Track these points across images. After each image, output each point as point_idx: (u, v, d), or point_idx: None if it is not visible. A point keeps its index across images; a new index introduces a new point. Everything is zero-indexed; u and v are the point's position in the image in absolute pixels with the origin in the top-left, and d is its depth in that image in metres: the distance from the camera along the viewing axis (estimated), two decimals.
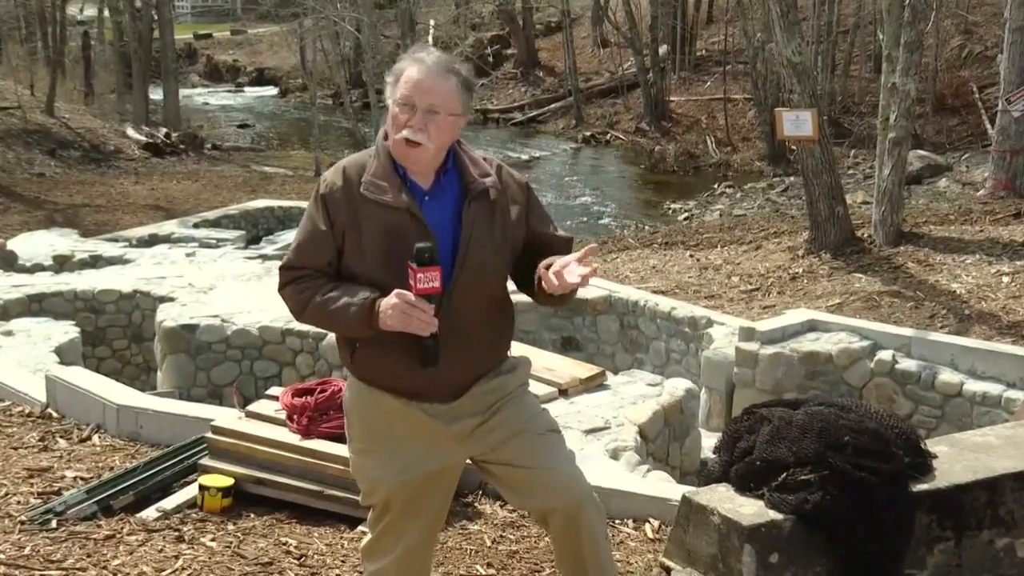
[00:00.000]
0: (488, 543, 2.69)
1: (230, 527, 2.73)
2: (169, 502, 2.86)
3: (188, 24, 29.39)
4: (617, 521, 2.86)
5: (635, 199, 14.54)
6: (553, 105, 20.59)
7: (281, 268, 1.77)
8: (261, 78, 26.35)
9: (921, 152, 12.58)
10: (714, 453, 2.04)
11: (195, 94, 23.99)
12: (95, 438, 3.41)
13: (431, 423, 1.77)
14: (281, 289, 1.77)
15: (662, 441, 3.84)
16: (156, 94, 17.94)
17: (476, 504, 2.96)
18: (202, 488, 2.86)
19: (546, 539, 2.60)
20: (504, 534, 2.77)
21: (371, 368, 1.76)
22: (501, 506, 2.94)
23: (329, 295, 1.69)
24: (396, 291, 1.64)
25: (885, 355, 5.23)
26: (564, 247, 1.83)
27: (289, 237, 8.34)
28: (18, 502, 2.80)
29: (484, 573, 2.52)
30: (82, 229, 9.09)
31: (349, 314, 1.68)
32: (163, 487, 2.95)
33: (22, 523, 2.64)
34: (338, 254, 1.72)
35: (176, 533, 2.66)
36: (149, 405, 3.52)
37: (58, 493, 2.86)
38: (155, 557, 2.48)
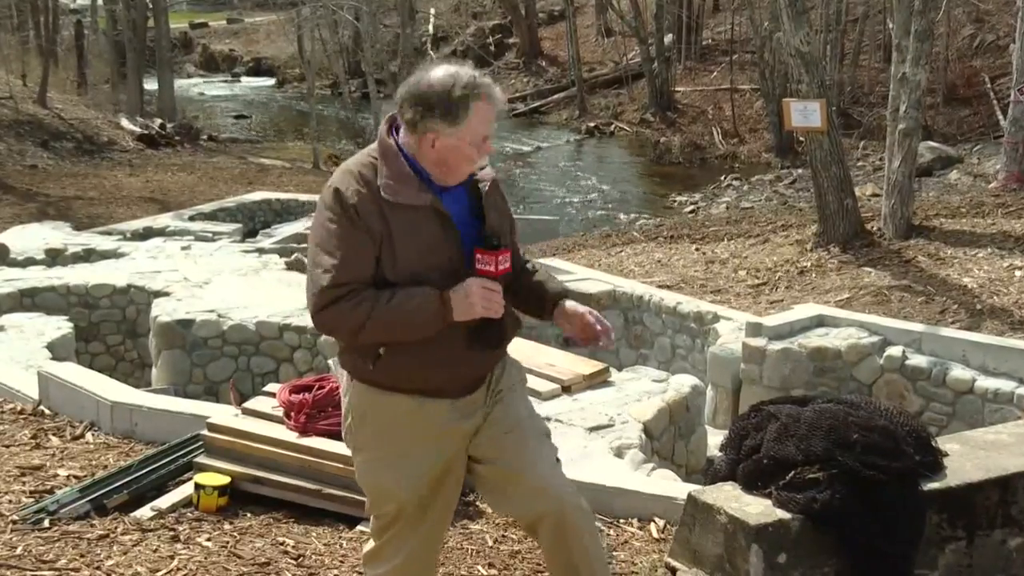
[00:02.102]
0: (490, 543, 2.67)
1: (226, 526, 2.71)
2: (164, 501, 2.83)
3: (183, 12, 29.09)
4: (621, 520, 2.83)
5: (640, 191, 14.48)
6: (556, 96, 20.53)
7: (323, 289, 1.66)
8: (258, 68, 26.32)
9: (932, 144, 12.47)
10: (720, 451, 2.03)
11: (191, 84, 23.94)
12: (88, 436, 3.38)
13: (446, 420, 1.76)
14: (322, 310, 1.66)
15: (667, 439, 3.81)
16: (151, 84, 17.89)
17: (477, 503, 2.93)
18: (198, 487, 2.82)
19: None
20: (506, 534, 2.74)
21: (401, 370, 1.73)
22: None
23: (392, 302, 1.65)
24: (474, 279, 1.67)
25: (895, 351, 5.17)
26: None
27: (287, 230, 8.32)
28: (10, 501, 2.77)
29: (486, 573, 2.50)
30: (75, 222, 9.08)
31: (424, 314, 1.65)
32: (158, 486, 2.92)
33: (14, 522, 2.62)
34: (377, 263, 1.69)
35: (171, 533, 2.63)
36: (144, 402, 3.49)
37: (51, 492, 2.84)
38: (150, 557, 2.45)
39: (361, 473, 1.83)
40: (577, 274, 6.83)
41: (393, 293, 1.67)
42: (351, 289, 1.66)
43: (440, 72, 1.69)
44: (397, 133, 1.75)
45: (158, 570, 2.38)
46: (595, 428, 3.56)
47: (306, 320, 5.30)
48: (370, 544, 1.88)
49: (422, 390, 1.74)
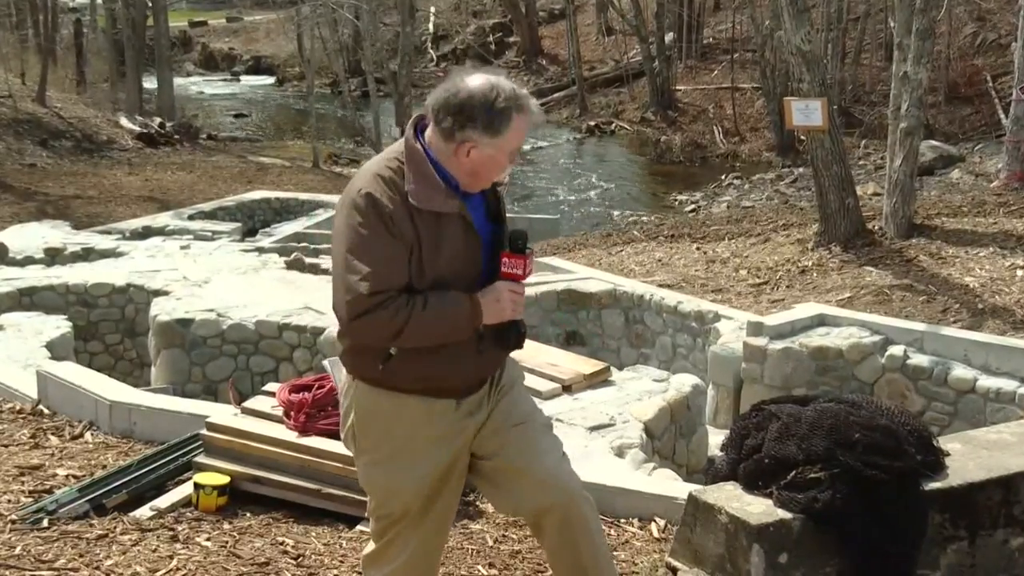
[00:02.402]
0: (490, 543, 2.65)
1: (226, 526, 2.69)
2: (163, 501, 2.82)
3: (183, 11, 28.95)
4: (622, 520, 2.82)
5: (640, 190, 14.46)
6: (557, 94, 20.48)
7: (360, 296, 1.64)
8: (258, 66, 26.24)
9: (933, 142, 12.44)
10: (721, 451, 2.03)
11: (190, 83, 23.88)
12: (87, 435, 3.37)
13: (451, 419, 1.76)
14: (357, 318, 1.65)
15: (668, 438, 3.80)
16: (150, 83, 17.83)
17: (478, 503, 2.92)
18: (197, 486, 2.81)
19: None
20: (506, 533, 2.73)
21: (412, 372, 1.72)
22: None
23: (427, 309, 1.66)
24: (501, 282, 1.70)
25: (897, 350, 5.16)
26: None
27: (287, 229, 8.31)
28: (9, 501, 2.76)
29: (486, 573, 2.48)
30: (74, 221, 9.03)
31: (459, 319, 1.67)
32: (157, 485, 2.91)
33: (13, 522, 2.61)
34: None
35: (170, 532, 2.62)
36: (143, 401, 3.48)
37: (50, 491, 2.83)
38: (149, 557, 2.44)
39: (364, 474, 1.82)
40: (578, 273, 6.81)
41: (426, 299, 1.66)
42: (388, 297, 1.65)
43: (479, 82, 1.67)
44: (421, 135, 1.73)
45: (157, 570, 2.37)
46: (596, 427, 3.55)
47: (305, 319, 5.32)
48: (370, 547, 1.86)
49: (427, 390, 1.74)
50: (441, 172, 1.71)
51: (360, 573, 2.24)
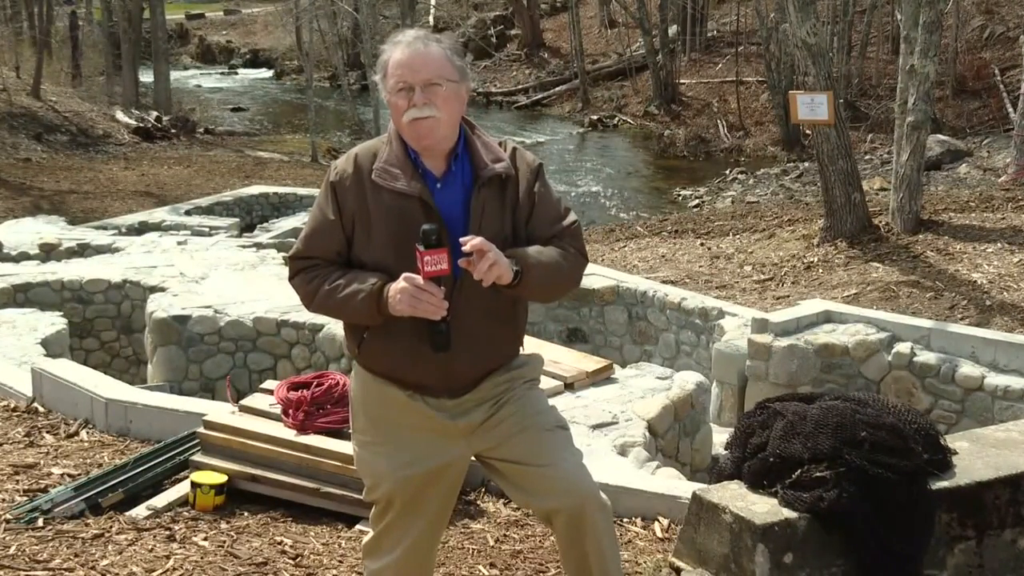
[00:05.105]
0: (491, 542, 2.64)
1: (223, 526, 2.67)
2: (160, 500, 2.80)
3: (180, 3, 28.91)
4: (625, 520, 2.80)
5: (644, 185, 14.40)
6: (559, 88, 20.43)
7: (290, 258, 1.78)
8: (255, 60, 26.14)
9: (941, 137, 12.35)
10: (726, 449, 2.03)
11: (187, 76, 23.78)
12: (83, 433, 3.35)
13: (436, 417, 1.75)
14: (291, 279, 1.79)
15: (672, 436, 3.78)
16: (146, 76, 17.76)
17: (479, 502, 2.90)
18: (194, 485, 2.79)
19: (551, 538, 2.53)
20: (507, 533, 2.71)
21: (378, 359, 1.75)
22: (504, 504, 2.88)
23: (337, 283, 1.70)
24: (404, 275, 1.64)
25: (903, 347, 5.11)
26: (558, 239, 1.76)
27: (285, 224, 8.27)
28: (3, 500, 2.74)
29: (487, 574, 2.46)
30: (69, 216, 9.00)
31: (357, 301, 1.67)
32: (153, 484, 2.89)
33: (7, 521, 2.59)
34: (348, 243, 1.72)
35: (167, 532, 2.60)
36: (139, 399, 3.45)
37: (45, 490, 2.81)
38: (145, 557, 2.42)
39: (355, 455, 1.86)
40: None
41: (344, 274, 1.71)
42: (314, 264, 1.74)
43: None
44: None
45: (154, 570, 2.35)
46: (598, 426, 3.53)
47: (304, 316, 5.30)
48: (369, 536, 1.88)
49: (400, 382, 1.75)
50: (413, 155, 1.72)
51: (359, 573, 2.23)
